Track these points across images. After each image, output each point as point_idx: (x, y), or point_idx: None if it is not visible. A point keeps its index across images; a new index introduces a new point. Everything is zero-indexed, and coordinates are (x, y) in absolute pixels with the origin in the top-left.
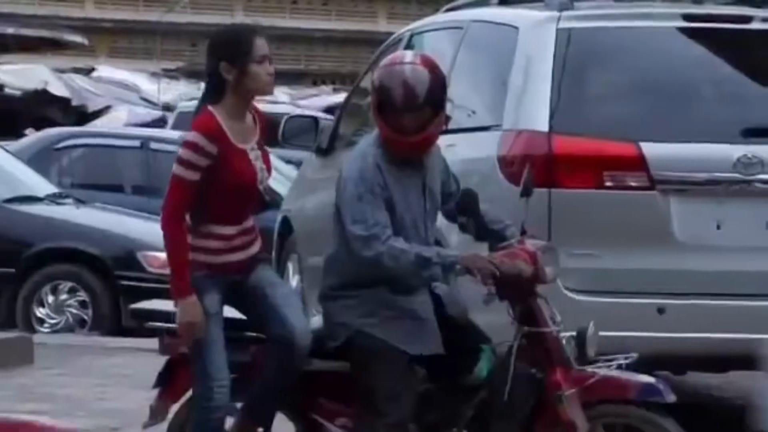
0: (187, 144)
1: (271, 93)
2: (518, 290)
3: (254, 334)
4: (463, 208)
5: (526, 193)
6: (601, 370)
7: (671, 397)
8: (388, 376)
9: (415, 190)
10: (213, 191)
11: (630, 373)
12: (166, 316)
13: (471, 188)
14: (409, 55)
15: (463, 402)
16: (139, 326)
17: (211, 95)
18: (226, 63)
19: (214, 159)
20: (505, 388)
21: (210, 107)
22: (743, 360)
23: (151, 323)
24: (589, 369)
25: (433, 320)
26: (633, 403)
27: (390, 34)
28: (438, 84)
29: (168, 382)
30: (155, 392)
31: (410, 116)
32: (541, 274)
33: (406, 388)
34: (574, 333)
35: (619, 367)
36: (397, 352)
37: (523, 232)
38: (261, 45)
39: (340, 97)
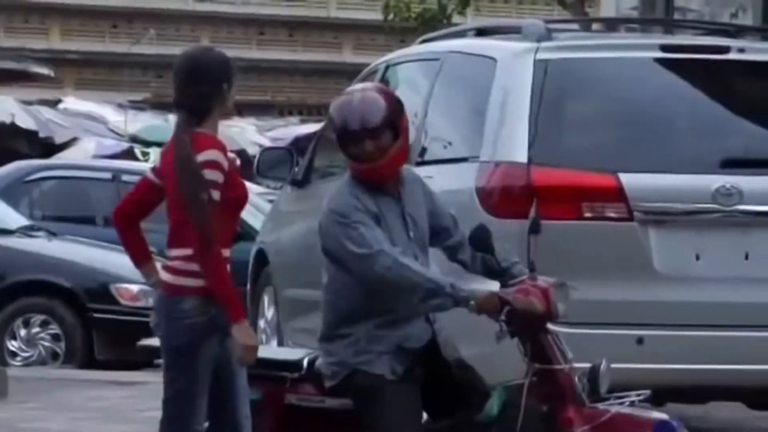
0: (210, 164)
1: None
2: (530, 327)
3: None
4: (478, 244)
5: (533, 229)
6: (614, 407)
7: None
8: (389, 411)
9: (394, 219)
10: (219, 212)
11: (643, 409)
12: None
13: (484, 224)
14: (359, 86)
15: None
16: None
17: (195, 118)
18: (227, 84)
19: (225, 177)
20: (516, 426)
21: (199, 130)
22: (723, 391)
23: (160, 360)
24: (602, 406)
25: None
26: None
27: (356, 65)
28: (392, 107)
29: None
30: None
31: (370, 143)
32: (553, 311)
33: (409, 420)
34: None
35: (632, 403)
36: (396, 386)
37: (532, 269)
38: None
39: (307, 128)
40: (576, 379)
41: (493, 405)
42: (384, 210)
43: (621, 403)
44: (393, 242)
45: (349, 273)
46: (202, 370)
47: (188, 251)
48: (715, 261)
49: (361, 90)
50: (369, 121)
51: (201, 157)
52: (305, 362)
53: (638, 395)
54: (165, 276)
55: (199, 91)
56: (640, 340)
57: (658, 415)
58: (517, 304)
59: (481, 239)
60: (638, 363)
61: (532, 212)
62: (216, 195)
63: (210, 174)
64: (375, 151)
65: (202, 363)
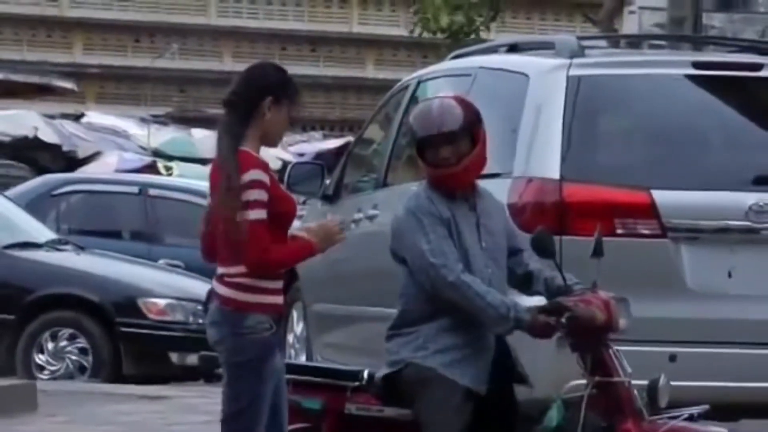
0: (256, 184)
1: (276, 146)
2: (590, 339)
3: (324, 380)
4: (540, 249)
5: (597, 253)
6: (673, 421)
7: None
8: (436, 405)
9: (468, 227)
10: (271, 228)
11: (701, 423)
12: None
13: (545, 229)
14: (439, 95)
15: None
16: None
17: (236, 132)
18: (272, 99)
19: (270, 194)
20: None
21: (242, 148)
22: (755, 408)
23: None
24: (660, 419)
25: (490, 352)
26: None
27: (378, 80)
28: (470, 115)
29: None
30: None
31: (446, 149)
32: (614, 323)
33: (454, 417)
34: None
35: (690, 417)
36: (446, 381)
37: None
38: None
39: (330, 143)
40: (635, 392)
41: (552, 417)
42: (458, 217)
43: (679, 417)
44: (465, 250)
45: (411, 274)
46: (265, 387)
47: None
48: (747, 278)
49: (440, 98)
50: (446, 126)
51: (245, 177)
52: (365, 372)
53: (698, 409)
54: (226, 291)
55: (237, 98)
56: (672, 357)
57: (716, 428)
58: (578, 311)
59: (542, 244)
60: (671, 380)
61: (596, 236)
62: (263, 213)
63: (256, 194)
64: (451, 157)
65: (265, 379)
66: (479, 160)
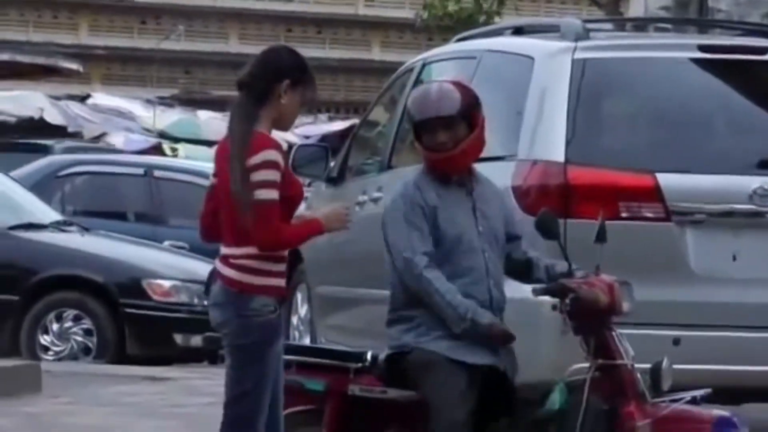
0: (269, 164)
1: (287, 130)
2: (593, 321)
3: (327, 361)
4: (544, 231)
5: (600, 238)
6: (675, 404)
7: (745, 430)
8: (443, 387)
9: (463, 209)
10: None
11: (704, 406)
12: None
13: (549, 210)
14: (438, 79)
15: None
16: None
17: (250, 114)
18: (289, 82)
19: (282, 175)
20: (577, 422)
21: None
22: (758, 392)
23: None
24: (663, 402)
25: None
26: None
27: (384, 62)
28: (468, 100)
29: None
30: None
31: (443, 133)
32: (617, 305)
33: (461, 399)
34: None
35: (693, 400)
36: (452, 363)
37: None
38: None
39: (335, 125)
40: (638, 375)
41: (554, 400)
42: (452, 202)
43: (682, 400)
44: (460, 234)
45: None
46: (269, 370)
47: (255, 249)
48: (751, 262)
49: (438, 82)
50: (444, 110)
51: (259, 157)
52: (369, 353)
53: (700, 392)
54: (231, 272)
55: (251, 79)
56: (676, 341)
57: (719, 411)
58: (581, 293)
59: (547, 225)
60: (675, 363)
61: (599, 221)
62: (275, 194)
63: (269, 174)
64: (448, 141)
65: (269, 362)
66: (476, 144)
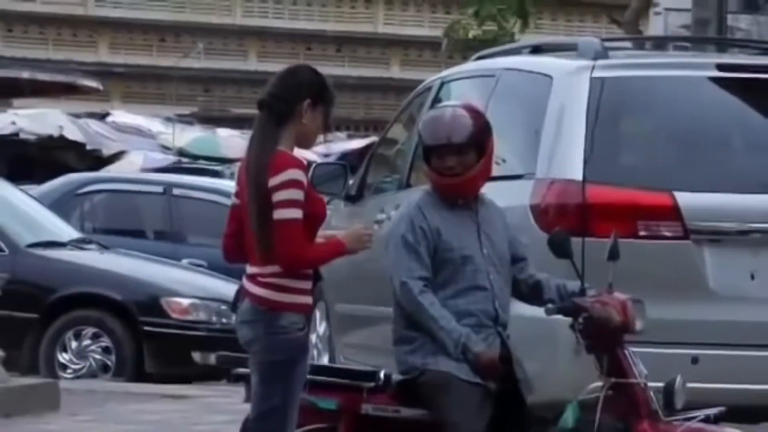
0: (292, 183)
1: (310, 147)
2: (606, 339)
3: (341, 381)
4: (557, 250)
5: (612, 256)
6: (688, 422)
7: None
8: (458, 407)
9: (468, 232)
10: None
11: (717, 425)
12: None
13: (562, 230)
14: (451, 102)
15: None
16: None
17: (271, 133)
18: (310, 101)
19: (306, 194)
20: None
21: (279, 148)
22: None
23: (239, 370)
24: (676, 421)
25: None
26: None
27: (403, 80)
28: (480, 128)
29: None
30: None
31: (453, 159)
32: (630, 324)
33: (474, 418)
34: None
35: (706, 418)
36: (465, 382)
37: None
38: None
39: (354, 144)
40: (651, 393)
41: (567, 418)
42: (456, 224)
43: (694, 419)
44: (464, 257)
45: None
46: (297, 386)
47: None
48: None
49: (452, 107)
50: (455, 137)
51: (282, 176)
52: (382, 372)
53: (714, 411)
54: (259, 291)
55: (273, 100)
56: (695, 360)
57: (731, 430)
58: (594, 312)
59: (559, 244)
60: (693, 382)
61: (612, 238)
62: (299, 213)
63: (292, 193)
64: (457, 166)
65: (297, 378)
66: (485, 171)
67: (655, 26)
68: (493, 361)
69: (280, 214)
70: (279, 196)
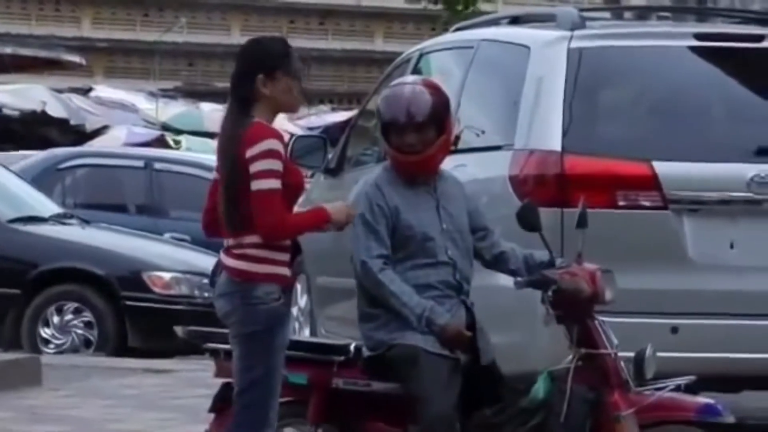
0: (270, 153)
1: (297, 111)
2: (576, 310)
3: (310, 355)
4: (524, 222)
5: (581, 224)
6: (659, 392)
7: (730, 418)
8: (428, 380)
9: (427, 210)
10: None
11: (688, 394)
12: (224, 338)
13: (531, 202)
14: (410, 78)
15: (519, 425)
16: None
17: (242, 111)
18: (263, 76)
19: (284, 164)
20: (561, 411)
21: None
22: (756, 380)
23: (209, 344)
24: (647, 390)
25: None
26: (692, 424)
27: (386, 53)
28: (440, 104)
29: (224, 407)
30: (210, 416)
31: (413, 136)
32: (600, 294)
33: (445, 389)
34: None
35: (677, 388)
36: (433, 355)
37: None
38: (297, 59)
39: (338, 116)
40: (622, 363)
41: (539, 389)
42: (415, 201)
43: (665, 388)
44: (423, 233)
45: None
46: (278, 357)
47: (257, 239)
48: (749, 249)
49: (411, 83)
50: (415, 114)
51: (259, 147)
52: (352, 346)
53: (684, 380)
54: (235, 262)
55: (236, 80)
56: (674, 329)
57: (703, 398)
58: (563, 284)
59: (528, 217)
60: (673, 351)
61: (580, 206)
62: (277, 183)
63: (271, 163)
64: (417, 143)
65: (278, 349)
66: (444, 148)
67: None
68: (460, 333)
69: (258, 184)
70: (257, 166)
